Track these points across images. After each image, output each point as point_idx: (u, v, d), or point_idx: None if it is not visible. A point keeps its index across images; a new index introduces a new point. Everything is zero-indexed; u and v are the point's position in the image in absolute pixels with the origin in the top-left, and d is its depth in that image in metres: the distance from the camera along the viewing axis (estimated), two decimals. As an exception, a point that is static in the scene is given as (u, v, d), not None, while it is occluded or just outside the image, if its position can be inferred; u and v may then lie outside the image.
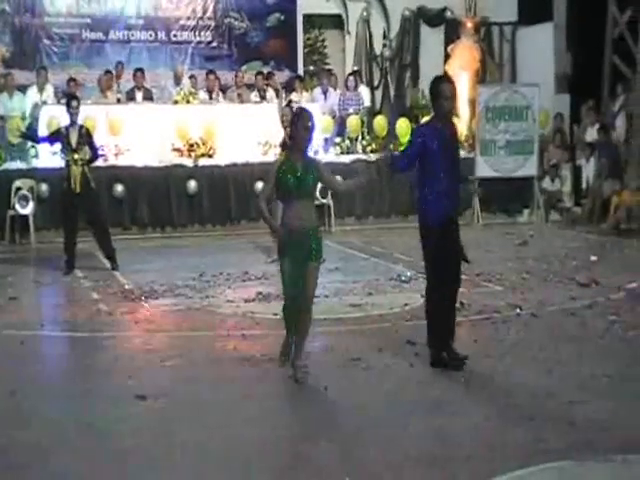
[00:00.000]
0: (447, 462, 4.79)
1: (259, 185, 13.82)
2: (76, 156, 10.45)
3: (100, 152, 11.78)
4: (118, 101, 14.66)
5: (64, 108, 10.82)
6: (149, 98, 14.78)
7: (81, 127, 10.69)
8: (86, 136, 10.65)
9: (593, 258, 10.94)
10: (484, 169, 14.73)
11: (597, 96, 15.66)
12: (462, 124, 15.30)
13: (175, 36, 16.54)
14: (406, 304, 8.59)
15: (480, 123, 14.86)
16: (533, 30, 17.34)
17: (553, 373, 6.34)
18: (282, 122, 11.20)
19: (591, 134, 15.09)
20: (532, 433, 5.11)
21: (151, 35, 16.46)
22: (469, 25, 16.95)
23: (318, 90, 15.69)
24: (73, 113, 10.54)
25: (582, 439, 5.04)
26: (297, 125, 6.38)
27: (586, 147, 14.87)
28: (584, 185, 14.87)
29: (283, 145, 11.22)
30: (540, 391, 5.92)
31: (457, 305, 6.86)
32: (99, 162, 11.56)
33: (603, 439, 5.04)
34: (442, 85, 6.51)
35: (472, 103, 15.37)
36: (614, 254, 11.43)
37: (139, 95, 14.72)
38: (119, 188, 13.43)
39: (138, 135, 13.68)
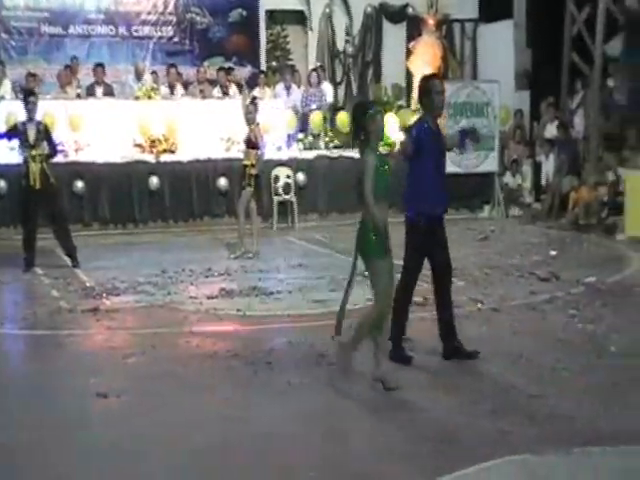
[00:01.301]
0: (411, 457, 4.82)
1: (222, 181, 13.82)
2: (34, 152, 10.31)
3: (60, 148, 11.66)
4: (78, 96, 14.51)
5: (22, 104, 10.68)
6: (110, 93, 14.65)
7: (39, 123, 10.56)
8: (44, 132, 10.52)
9: (553, 253, 11.06)
10: (446, 165, 14.78)
11: (556, 93, 15.82)
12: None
13: (136, 31, 16.41)
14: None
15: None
16: (494, 27, 17.46)
17: (515, 367, 6.40)
18: (247, 119, 11.17)
19: (550, 131, 15.25)
20: (495, 427, 5.16)
21: (111, 30, 16.31)
22: (430, 22, 17.00)
23: (281, 86, 15.67)
24: (30, 109, 10.42)
25: (544, 432, 5.10)
26: (374, 118, 5.89)
27: (545, 143, 15.02)
28: (544, 181, 15.02)
29: (248, 142, 11.18)
30: (502, 385, 5.98)
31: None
32: (59, 158, 11.44)
33: (564, 431, 5.10)
34: (433, 80, 6.69)
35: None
36: (573, 249, 11.56)
37: (99, 90, 14.58)
38: (79, 184, 13.29)
39: (99, 131, 13.56)
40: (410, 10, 17.45)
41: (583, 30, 15.42)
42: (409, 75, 16.71)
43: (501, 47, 17.01)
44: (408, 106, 16.30)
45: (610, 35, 14.96)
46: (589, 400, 5.65)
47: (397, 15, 17.52)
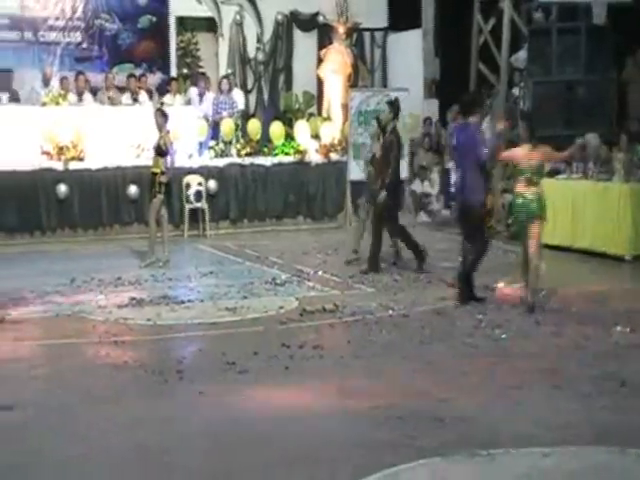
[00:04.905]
0: (318, 463, 4.84)
1: (132, 189, 13.66)
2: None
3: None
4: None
5: None
6: (16, 100, 14.33)
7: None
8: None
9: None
10: (356, 172, 14.92)
11: (464, 101, 16.13)
12: (335, 128, 15.51)
13: (43, 36, 16.06)
14: (281, 307, 8.65)
15: (352, 127, 15.07)
16: (403, 36, 17.71)
17: (423, 372, 6.51)
18: (157, 125, 11.08)
19: (458, 138, 15.51)
20: (402, 431, 5.22)
21: (18, 35, 15.93)
22: (341, 30, 17.16)
23: (195, 91, 15.55)
24: None
25: (450, 436, 5.19)
26: None
27: (453, 151, 15.27)
28: (453, 188, 15.26)
29: (157, 149, 11.07)
30: (410, 390, 6.06)
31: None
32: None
33: (470, 435, 5.21)
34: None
35: (344, 107, 15.58)
36: (481, 255, 11.78)
37: (5, 97, 14.23)
38: (-16, 193, 12.98)
39: (4, 138, 13.22)
40: (320, 18, 17.55)
41: (489, 40, 15.80)
42: (320, 83, 16.83)
43: (410, 56, 17.26)
44: (319, 114, 16.41)
45: (515, 45, 15.37)
46: (494, 403, 5.78)
47: (308, 23, 17.61)
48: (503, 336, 7.46)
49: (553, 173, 12.70)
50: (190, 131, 14.23)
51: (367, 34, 18.10)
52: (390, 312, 8.41)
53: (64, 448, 5.11)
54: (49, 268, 10.93)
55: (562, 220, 11.78)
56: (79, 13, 16.17)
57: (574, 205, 11.71)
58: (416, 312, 8.42)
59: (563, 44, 14.82)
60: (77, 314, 8.51)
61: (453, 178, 15.09)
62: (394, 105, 10.68)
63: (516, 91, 15.58)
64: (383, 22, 18.04)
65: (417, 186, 15.46)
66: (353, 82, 16.89)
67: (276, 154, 14.93)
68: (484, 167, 8.80)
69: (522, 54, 15.37)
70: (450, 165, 15.46)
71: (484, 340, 7.40)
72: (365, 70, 17.92)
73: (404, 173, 15.18)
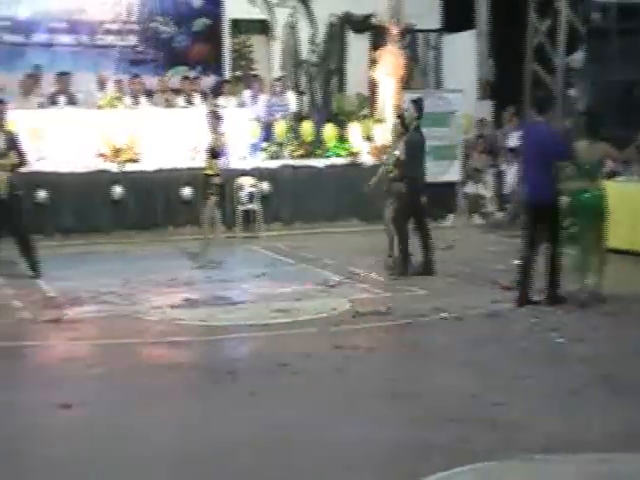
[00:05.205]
0: (372, 466, 4.83)
1: (186, 190, 13.78)
2: (3, 161, 10.21)
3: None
4: (40, 106, 14.37)
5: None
6: (73, 102, 14.55)
7: (8, 132, 10.46)
8: (13, 141, 10.42)
9: (516, 262, 11.12)
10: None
11: (519, 102, 16.00)
12: (388, 129, 15.46)
13: (100, 40, 16.29)
14: (334, 309, 8.64)
15: (405, 129, 14.99)
16: (457, 37, 17.61)
17: (477, 375, 6.45)
18: (210, 127, 11.17)
19: (513, 140, 15.37)
20: (456, 435, 5.18)
21: (75, 39, 16.18)
22: (394, 32, 17.10)
23: (248, 93, 15.64)
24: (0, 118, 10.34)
25: (505, 439, 5.14)
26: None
27: (508, 153, 15.15)
28: (507, 190, 15.14)
29: (210, 151, 11.15)
30: (464, 393, 6.00)
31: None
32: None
33: (525, 439, 5.15)
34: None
35: (397, 109, 15.51)
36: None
37: (62, 99, 14.47)
38: (42, 194, 13.19)
39: (61, 140, 13.45)
40: (374, 20, 17.52)
41: (545, 40, 15.62)
42: (373, 84, 16.79)
43: (464, 57, 17.15)
44: (372, 115, 16.38)
45: (571, 45, 15.18)
46: (549, 407, 5.71)
47: (361, 25, 17.59)
48: (559, 340, 7.36)
49: (611, 175, 12.50)
50: (243, 133, 14.31)
51: (420, 35, 18.03)
52: (443, 315, 8.35)
53: (123, 448, 5.16)
54: (104, 269, 11.07)
55: (620, 223, 11.55)
56: (135, 17, 16.38)
57: (632, 208, 11.50)
58: (469, 315, 8.36)
59: (621, 44, 14.59)
60: (132, 314, 8.60)
61: (508, 180, 15.00)
62: (418, 104, 10.62)
63: (572, 92, 15.38)
64: (436, 23, 17.95)
65: (471, 188, 15.34)
66: (406, 84, 16.82)
67: (328, 156, 14.94)
68: (557, 165, 8.75)
69: (579, 55, 15.18)
70: (504, 167, 15.34)
71: (539, 344, 7.31)
72: (418, 72, 17.85)
73: (457, 175, 15.16)
